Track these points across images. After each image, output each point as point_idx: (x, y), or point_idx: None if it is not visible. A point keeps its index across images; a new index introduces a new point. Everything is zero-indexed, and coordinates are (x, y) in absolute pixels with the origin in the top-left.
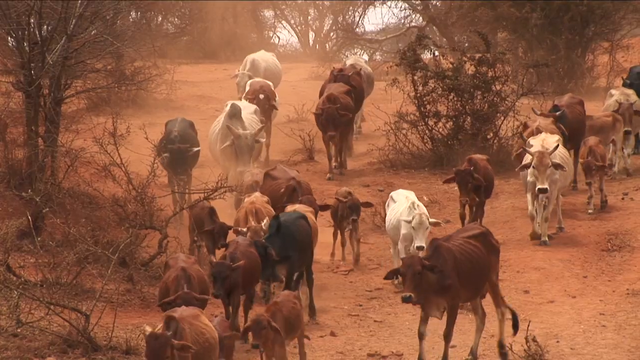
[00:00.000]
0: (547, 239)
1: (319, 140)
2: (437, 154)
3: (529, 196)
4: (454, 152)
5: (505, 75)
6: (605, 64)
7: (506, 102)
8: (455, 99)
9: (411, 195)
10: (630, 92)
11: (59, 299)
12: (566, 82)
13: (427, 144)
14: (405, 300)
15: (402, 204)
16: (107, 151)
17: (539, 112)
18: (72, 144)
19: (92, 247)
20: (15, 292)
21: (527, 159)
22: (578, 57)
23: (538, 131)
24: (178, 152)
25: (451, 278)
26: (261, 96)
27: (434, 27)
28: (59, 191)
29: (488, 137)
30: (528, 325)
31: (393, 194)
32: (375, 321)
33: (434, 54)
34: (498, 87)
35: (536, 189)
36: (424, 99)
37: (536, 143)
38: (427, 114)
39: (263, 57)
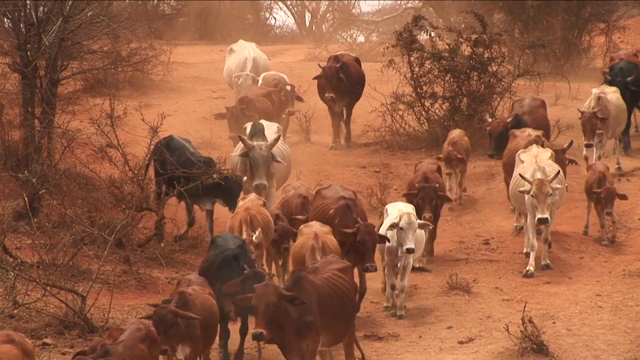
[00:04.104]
0: (548, 262)
1: (314, 121)
2: (433, 135)
3: (530, 229)
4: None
5: (501, 56)
6: (601, 45)
7: (502, 83)
8: (451, 80)
9: (405, 208)
10: (611, 90)
11: (55, 281)
12: (562, 63)
13: (423, 125)
14: (256, 337)
15: (393, 216)
16: (105, 132)
17: (490, 119)
18: (68, 125)
19: (89, 229)
20: (12, 274)
21: (521, 185)
22: (574, 38)
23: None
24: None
25: (313, 315)
26: (288, 87)
27: (430, 8)
28: (55, 172)
29: (484, 119)
30: (524, 307)
31: (388, 206)
32: (372, 302)
33: (430, 35)
34: (494, 68)
35: (535, 219)
36: (420, 80)
37: (528, 159)
38: (423, 95)
39: (256, 52)
